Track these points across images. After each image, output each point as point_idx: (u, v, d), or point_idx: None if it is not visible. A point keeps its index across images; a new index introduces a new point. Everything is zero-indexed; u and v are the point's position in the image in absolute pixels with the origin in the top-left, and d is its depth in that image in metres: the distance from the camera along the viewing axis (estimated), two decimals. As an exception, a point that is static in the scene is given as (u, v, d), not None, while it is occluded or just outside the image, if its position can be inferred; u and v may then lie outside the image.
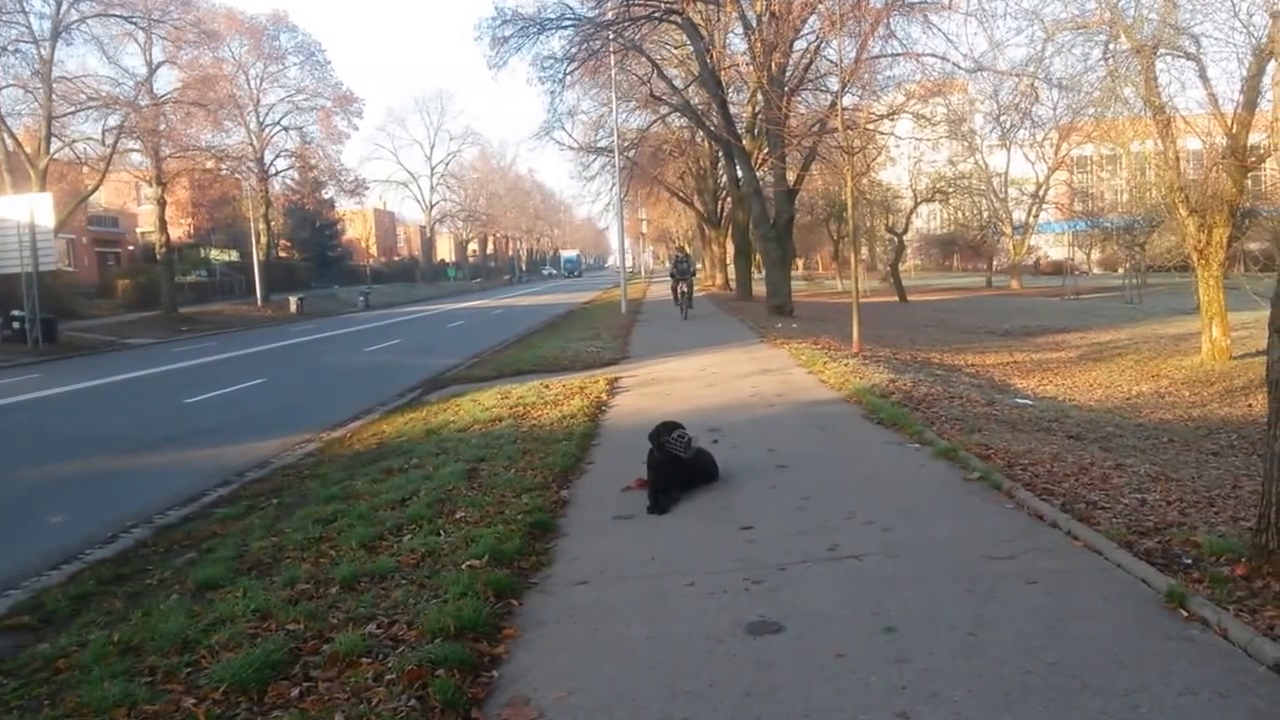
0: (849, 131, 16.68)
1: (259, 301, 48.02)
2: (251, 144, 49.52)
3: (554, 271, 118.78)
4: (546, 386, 12.23)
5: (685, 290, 25.69)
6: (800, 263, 53.97)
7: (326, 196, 63.10)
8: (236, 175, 46.83)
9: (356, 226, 78.37)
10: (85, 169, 36.51)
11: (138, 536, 6.91)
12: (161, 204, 39.38)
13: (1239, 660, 3.44)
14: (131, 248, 54.28)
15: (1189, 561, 4.43)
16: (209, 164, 41.82)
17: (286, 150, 54.25)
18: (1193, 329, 17.49)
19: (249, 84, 50.07)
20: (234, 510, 7.39)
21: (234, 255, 56.84)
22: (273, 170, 53.37)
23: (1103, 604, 4.06)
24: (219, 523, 7.03)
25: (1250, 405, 11.42)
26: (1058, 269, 48.64)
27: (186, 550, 6.33)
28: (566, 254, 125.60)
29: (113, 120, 34.69)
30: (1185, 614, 3.84)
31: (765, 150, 25.67)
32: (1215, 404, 12.33)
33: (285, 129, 52.90)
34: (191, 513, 7.60)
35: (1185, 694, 3.23)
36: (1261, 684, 3.26)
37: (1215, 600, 3.88)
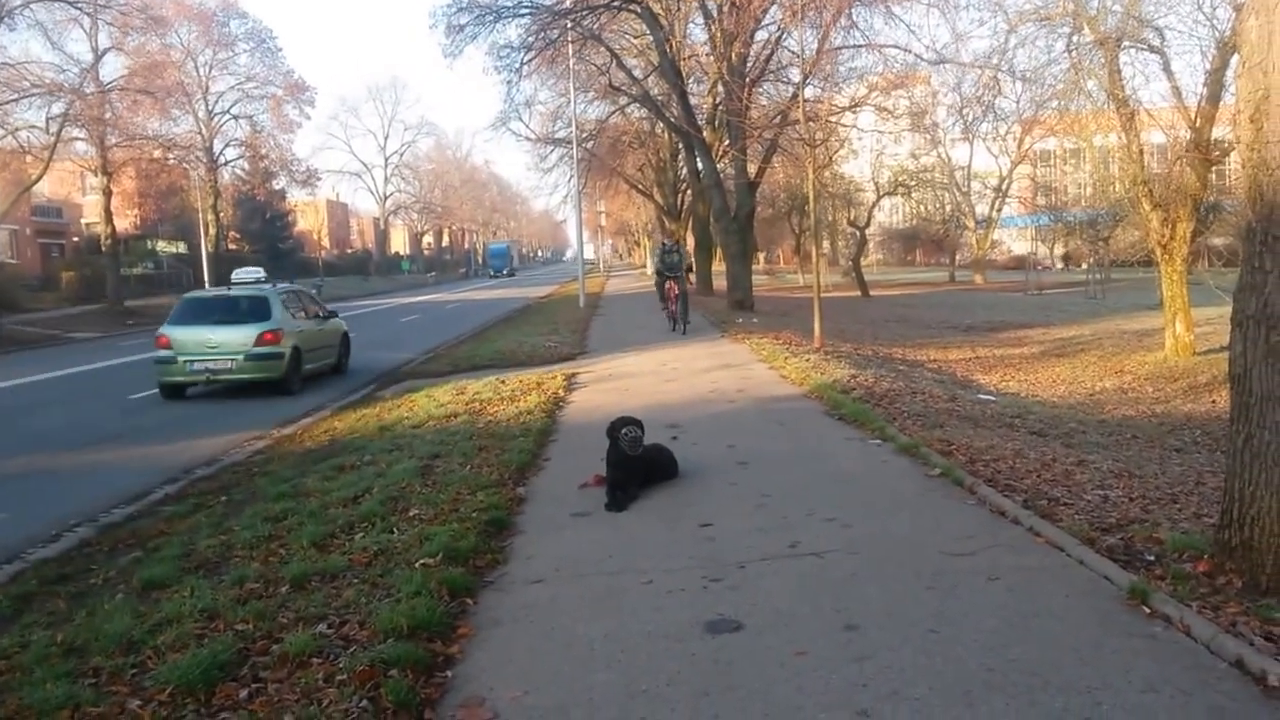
0: (811, 123, 16.67)
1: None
2: (200, 133, 48.40)
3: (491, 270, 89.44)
4: (503, 382, 12.08)
5: (678, 293, 18.46)
6: (761, 257, 54.05)
7: (277, 187, 61.86)
8: (184, 165, 45.68)
9: (308, 218, 76.98)
10: (29, 158, 35.39)
11: (81, 535, 6.69)
12: (107, 194, 38.37)
13: (1201, 657, 3.44)
14: (76, 239, 52.80)
15: (1151, 558, 4.44)
16: (156, 153, 40.76)
17: (236, 139, 53.07)
18: (1156, 324, 17.75)
19: (197, 71, 48.90)
20: (181, 508, 7.18)
21: (182, 247, 55.51)
22: (222, 160, 52.19)
23: (1065, 601, 4.04)
24: (165, 521, 6.81)
25: (1214, 401, 11.59)
26: (1020, 264, 49.26)
27: (132, 549, 6.13)
28: (494, 244, 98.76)
29: (57, 108, 33.66)
30: (1148, 611, 3.83)
31: (726, 142, 25.62)
32: (1179, 400, 12.50)
33: (235, 118, 51.75)
34: (137, 511, 7.37)
35: (1147, 691, 3.21)
36: (1223, 680, 3.25)
37: (1178, 597, 3.88)
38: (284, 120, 54.50)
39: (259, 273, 16.21)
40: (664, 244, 21.39)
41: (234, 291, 14.92)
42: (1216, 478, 6.88)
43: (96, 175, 38.69)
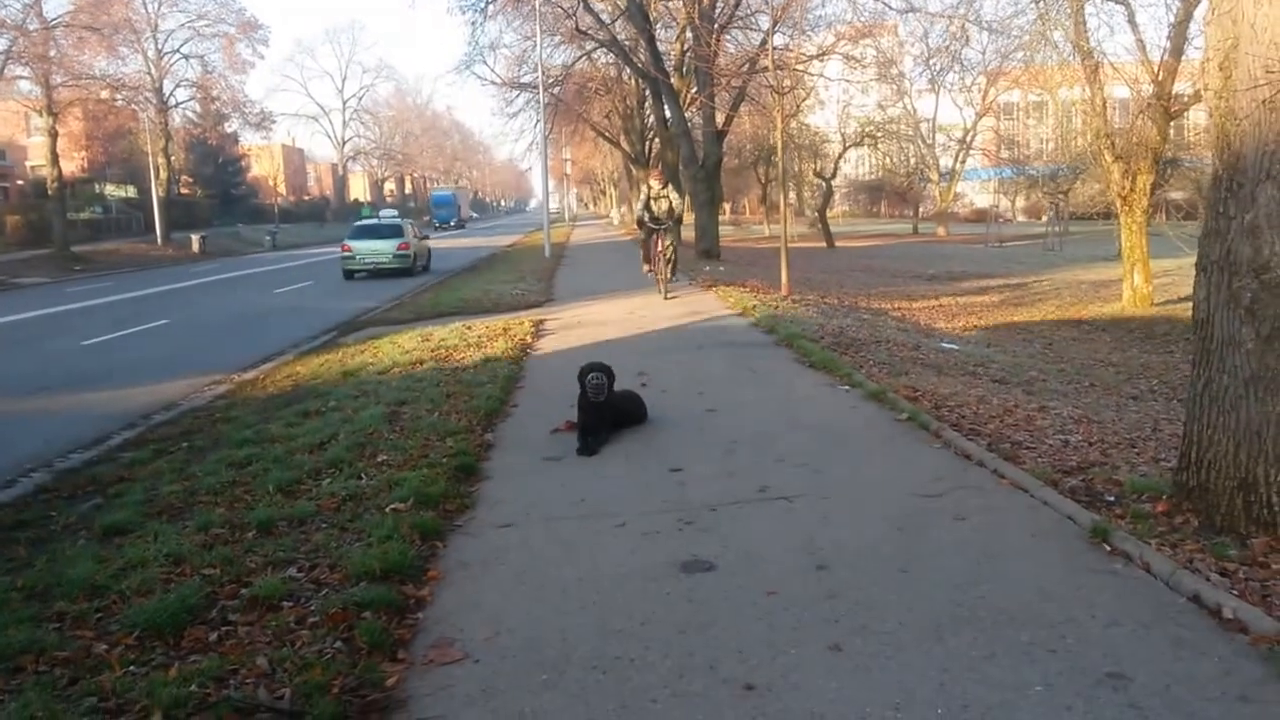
0: (779, 71, 16.51)
1: (159, 240, 45.83)
2: (149, 73, 46.80)
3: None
4: (469, 329, 11.98)
5: (671, 248, 15.02)
6: (727, 208, 53.90)
7: (230, 130, 60.26)
8: (133, 106, 44.31)
9: (263, 163, 75.10)
10: (-30, 97, 34.17)
11: (38, 481, 6.55)
12: (53, 136, 37.13)
13: (1160, 592, 3.53)
14: (21, 182, 51.11)
15: (1112, 499, 4.54)
16: (103, 93, 39.49)
17: (187, 80, 51.38)
18: (1114, 276, 18.04)
19: (146, 7, 47.08)
20: (141, 454, 7.04)
21: (131, 191, 54.00)
22: (172, 101, 50.52)
23: (1029, 540, 4.13)
24: (125, 467, 6.69)
25: (1170, 351, 11.84)
26: (982, 216, 49.64)
27: (92, 495, 6.02)
28: (438, 192, 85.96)
29: (-1, 45, 32.42)
30: (1109, 549, 3.92)
31: (694, 90, 25.34)
32: (1135, 349, 12.75)
33: (185, 57, 50.05)
34: (95, 457, 7.23)
35: (1110, 625, 3.30)
36: (1182, 614, 3.35)
37: (1137, 535, 3.97)
38: (236, 60, 52.88)
39: (395, 212, 31.73)
40: (650, 186, 15.25)
41: (382, 221, 28.31)
42: (1173, 424, 7.06)
43: (41, 116, 37.42)
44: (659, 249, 14.91)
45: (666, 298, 14.55)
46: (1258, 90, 3.78)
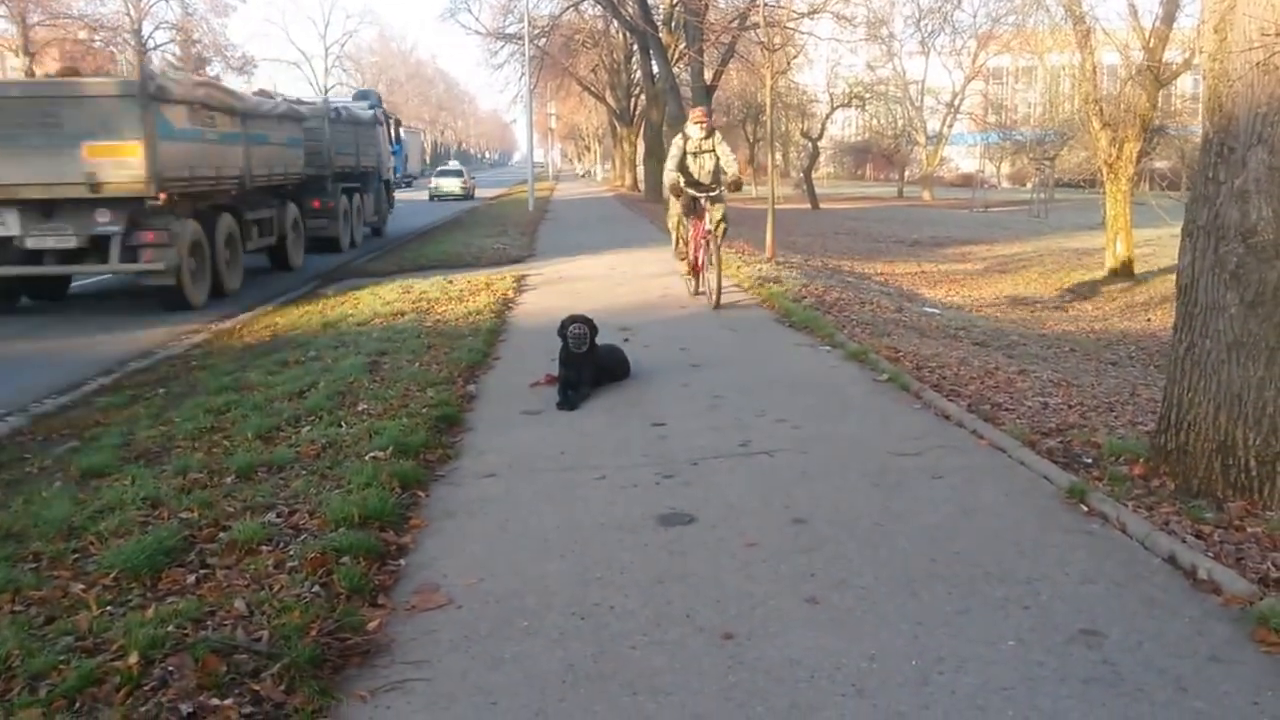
0: (770, 28, 16.31)
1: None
2: (128, 14, 45.54)
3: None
4: (450, 282, 11.89)
5: (721, 226, 9.74)
6: (712, 167, 53.41)
7: (211, 74, 59.00)
8: (112, 48, 43.20)
9: (245, 107, 73.57)
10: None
11: (12, 425, 6.45)
12: (29, 76, 36.19)
13: (1135, 552, 3.57)
14: (-3, 122, 49.99)
15: (1089, 461, 4.58)
16: (81, 34, 38.54)
17: (167, 22, 50.02)
18: (1096, 244, 18.12)
19: (126, -55, 45.87)
20: (117, 399, 6.97)
21: (109, 135, 52.90)
22: (152, 44, 49.10)
23: (1006, 499, 4.16)
24: (101, 412, 6.62)
25: (1149, 319, 11.94)
26: (967, 181, 49.56)
27: (67, 439, 5.96)
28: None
29: (-28, -20, 31.51)
30: (1086, 509, 3.96)
31: (683, 45, 25.01)
32: (1116, 317, 12.85)
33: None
34: (70, 401, 7.14)
35: (1084, 582, 3.34)
36: (1156, 574, 3.39)
37: (1114, 496, 4.01)
38: (218, 3, 51.52)
39: (458, 163, 51.98)
40: (686, 136, 9.90)
41: (452, 167, 47.08)
42: (1150, 390, 7.13)
43: (17, 56, 36.45)
44: (700, 231, 9.82)
45: (716, 307, 9.53)
46: (1252, 52, 3.76)
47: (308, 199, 16.32)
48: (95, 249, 10.78)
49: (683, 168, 9.85)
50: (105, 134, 10.22)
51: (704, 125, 9.92)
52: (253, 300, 12.24)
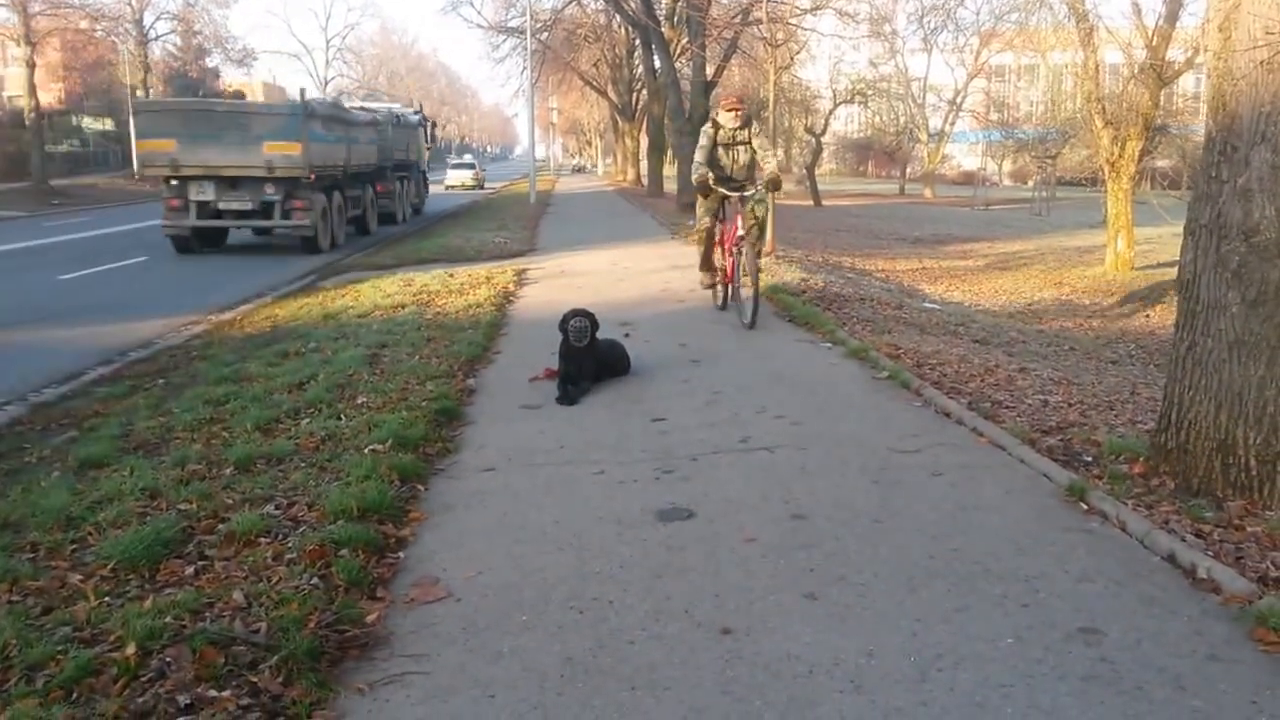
0: (773, 24, 16.26)
1: (136, 174, 44.88)
2: (129, 4, 45.56)
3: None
4: (451, 275, 11.88)
5: (755, 230, 8.25)
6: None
7: (211, 65, 58.87)
8: (113, 38, 43.21)
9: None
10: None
11: (11, 414, 6.47)
12: (31, 66, 36.08)
13: (1135, 551, 3.57)
14: (-2, 111, 49.93)
15: (1089, 459, 4.57)
16: (83, 24, 38.43)
17: (168, 13, 50.28)
18: (1097, 242, 18.12)
19: (127, -63, 45.78)
20: (117, 390, 6.98)
21: (109, 125, 52.71)
22: (153, 34, 49.22)
23: (1005, 496, 4.16)
24: (100, 402, 6.62)
25: (1149, 317, 11.92)
26: (969, 179, 49.49)
27: (66, 429, 5.97)
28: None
29: (-25, -30, 31.42)
30: (1085, 507, 3.96)
31: (685, 40, 24.96)
32: (1116, 315, 12.83)
33: (167, -10, 48.90)
34: (70, 391, 7.15)
35: (1083, 580, 3.34)
36: (1155, 573, 3.39)
37: (1114, 495, 4.01)
38: (219, -7, 51.57)
39: (470, 157, 58.76)
40: (717, 125, 8.52)
41: (464, 160, 54.45)
42: (1150, 389, 7.12)
43: (19, 45, 36.32)
44: (732, 236, 8.44)
45: (751, 327, 8.16)
46: (1256, 51, 3.75)
47: (376, 183, 21.50)
48: (261, 211, 16.38)
49: (712, 161, 8.43)
50: (279, 136, 15.70)
51: (738, 113, 8.45)
52: (352, 250, 16.86)
